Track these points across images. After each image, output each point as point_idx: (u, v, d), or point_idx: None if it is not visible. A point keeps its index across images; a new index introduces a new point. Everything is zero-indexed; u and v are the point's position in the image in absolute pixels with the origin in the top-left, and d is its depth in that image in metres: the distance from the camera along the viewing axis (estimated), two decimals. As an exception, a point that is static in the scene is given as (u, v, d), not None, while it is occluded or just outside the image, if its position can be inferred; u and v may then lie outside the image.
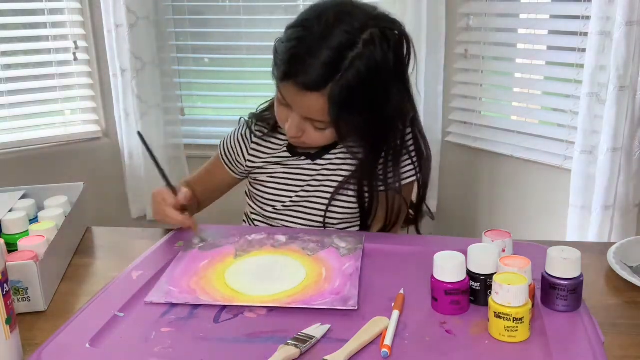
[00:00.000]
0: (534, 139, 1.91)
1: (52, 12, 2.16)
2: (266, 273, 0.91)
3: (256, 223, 1.20)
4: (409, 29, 1.03)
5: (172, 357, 0.71)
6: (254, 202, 1.20)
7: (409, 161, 1.12)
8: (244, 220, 1.25)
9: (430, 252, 0.82)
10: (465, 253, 0.80)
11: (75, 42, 2.19)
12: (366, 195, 1.11)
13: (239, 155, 1.19)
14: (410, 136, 1.11)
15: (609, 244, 0.98)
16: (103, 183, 2.18)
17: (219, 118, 2.41)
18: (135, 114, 2.14)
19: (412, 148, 1.12)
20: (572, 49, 1.74)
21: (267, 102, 1.19)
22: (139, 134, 1.07)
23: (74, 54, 2.20)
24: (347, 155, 1.12)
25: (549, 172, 1.85)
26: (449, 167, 2.11)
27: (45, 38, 2.18)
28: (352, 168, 1.12)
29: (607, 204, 1.60)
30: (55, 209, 1.07)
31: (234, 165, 1.21)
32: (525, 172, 1.92)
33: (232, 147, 1.20)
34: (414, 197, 1.19)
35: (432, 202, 2.08)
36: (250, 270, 0.92)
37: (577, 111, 1.69)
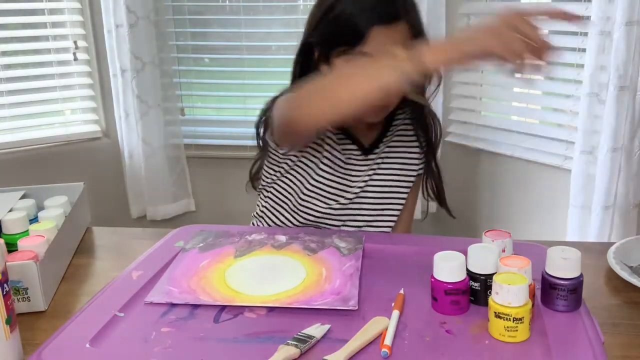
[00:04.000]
0: (534, 139, 1.90)
1: (52, 12, 2.16)
2: (266, 273, 0.91)
3: (290, 225, 1.14)
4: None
5: (172, 357, 0.71)
6: (293, 204, 1.12)
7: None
8: (252, 223, 1.21)
9: (430, 252, 0.82)
10: (465, 253, 0.80)
11: (75, 42, 2.19)
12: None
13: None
14: None
15: (609, 244, 0.98)
16: (103, 183, 2.18)
17: (219, 118, 2.39)
18: (135, 114, 2.14)
19: None
20: (572, 49, 1.74)
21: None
22: None
23: (74, 54, 2.20)
24: (398, 143, 1.15)
25: (549, 172, 1.85)
26: (449, 167, 2.09)
27: (45, 38, 2.18)
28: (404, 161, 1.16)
29: (607, 204, 1.60)
30: (55, 209, 1.07)
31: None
32: (525, 172, 1.92)
33: None
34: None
35: (432, 202, 2.08)
36: (250, 270, 0.92)
37: (577, 111, 1.69)
